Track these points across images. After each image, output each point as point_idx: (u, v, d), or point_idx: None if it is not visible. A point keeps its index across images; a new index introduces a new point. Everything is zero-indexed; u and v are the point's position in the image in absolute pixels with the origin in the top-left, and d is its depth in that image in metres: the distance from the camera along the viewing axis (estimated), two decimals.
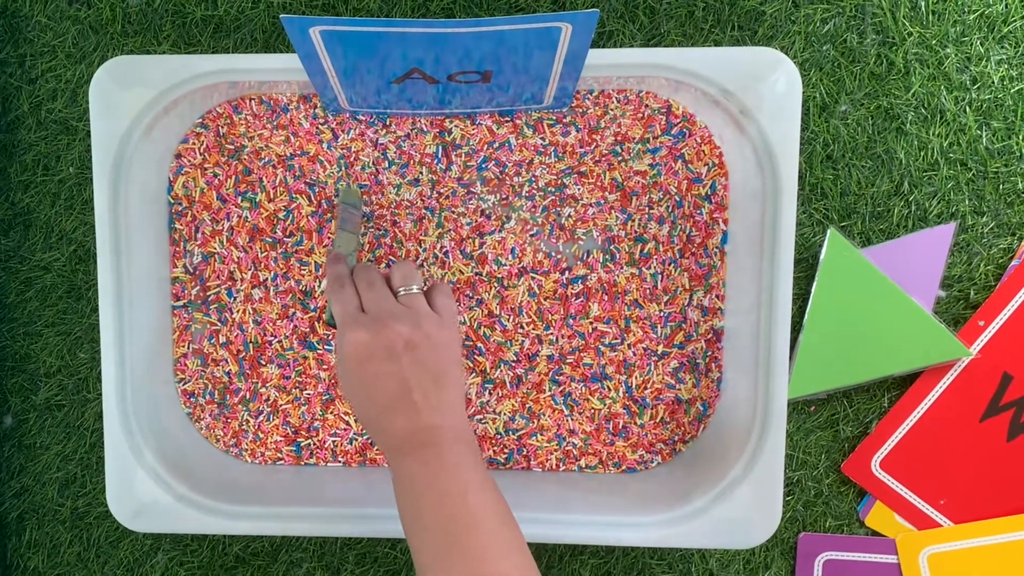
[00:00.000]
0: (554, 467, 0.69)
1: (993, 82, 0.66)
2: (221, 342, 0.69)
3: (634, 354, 0.68)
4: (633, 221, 0.67)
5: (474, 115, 0.66)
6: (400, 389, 0.52)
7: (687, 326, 0.67)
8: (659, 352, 0.67)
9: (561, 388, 0.68)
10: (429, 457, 0.52)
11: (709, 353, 0.67)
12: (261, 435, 0.70)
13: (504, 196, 0.67)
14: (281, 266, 0.68)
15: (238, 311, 0.69)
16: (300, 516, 0.65)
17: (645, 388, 0.68)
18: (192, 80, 0.62)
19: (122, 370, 0.65)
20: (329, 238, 0.68)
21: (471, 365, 0.68)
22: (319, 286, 0.68)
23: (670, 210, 0.66)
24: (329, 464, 0.70)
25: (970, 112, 0.66)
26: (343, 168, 0.67)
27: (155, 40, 0.69)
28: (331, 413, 0.69)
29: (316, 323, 0.69)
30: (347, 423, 0.69)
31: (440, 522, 0.50)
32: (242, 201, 0.68)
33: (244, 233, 0.68)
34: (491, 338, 0.68)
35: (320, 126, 0.67)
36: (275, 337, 0.69)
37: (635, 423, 0.68)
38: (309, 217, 0.68)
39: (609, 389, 0.68)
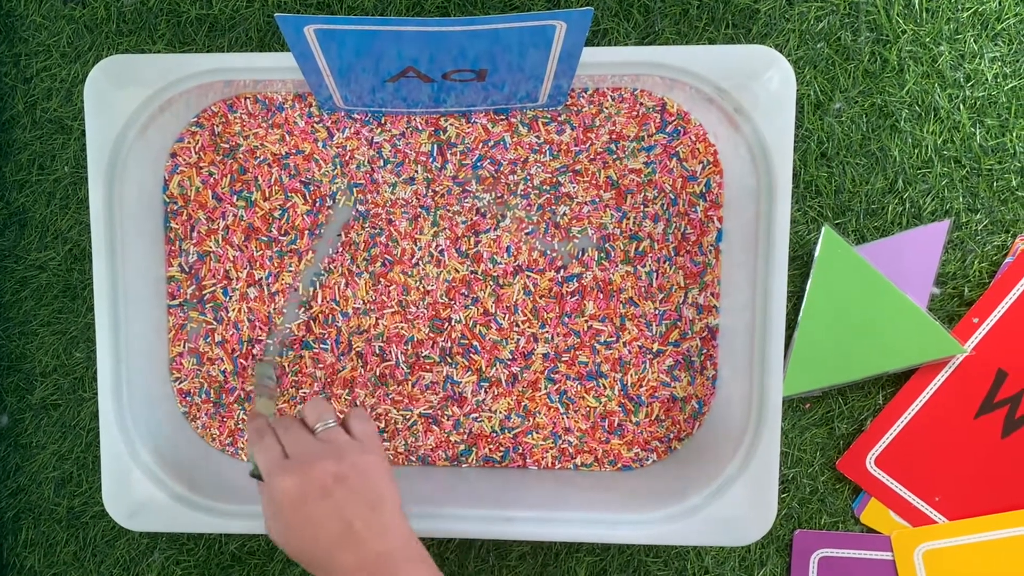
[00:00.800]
0: (550, 465, 0.69)
1: (987, 79, 0.66)
2: (217, 341, 0.69)
3: (629, 352, 0.68)
4: (628, 219, 0.67)
5: (469, 113, 0.66)
6: (340, 524, 0.52)
7: (682, 324, 0.67)
8: (654, 350, 0.68)
9: (556, 386, 0.68)
10: None
11: (704, 351, 0.67)
12: None
13: (499, 194, 0.67)
14: (276, 265, 0.68)
15: (234, 310, 0.69)
16: None
17: (640, 386, 0.68)
18: (187, 79, 0.62)
19: (118, 369, 0.65)
20: (319, 236, 0.68)
21: (467, 363, 0.68)
22: (300, 286, 0.69)
23: (665, 208, 0.66)
24: None
25: (964, 109, 0.66)
26: (338, 166, 0.67)
27: (150, 39, 0.69)
28: None
29: (311, 322, 0.69)
30: None
31: None
32: (237, 200, 0.68)
33: (239, 232, 0.68)
34: (487, 336, 0.68)
35: (315, 125, 0.67)
36: (271, 336, 0.69)
37: (630, 421, 0.68)
38: (304, 216, 0.68)
39: (604, 387, 0.68)
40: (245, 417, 0.70)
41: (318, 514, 0.53)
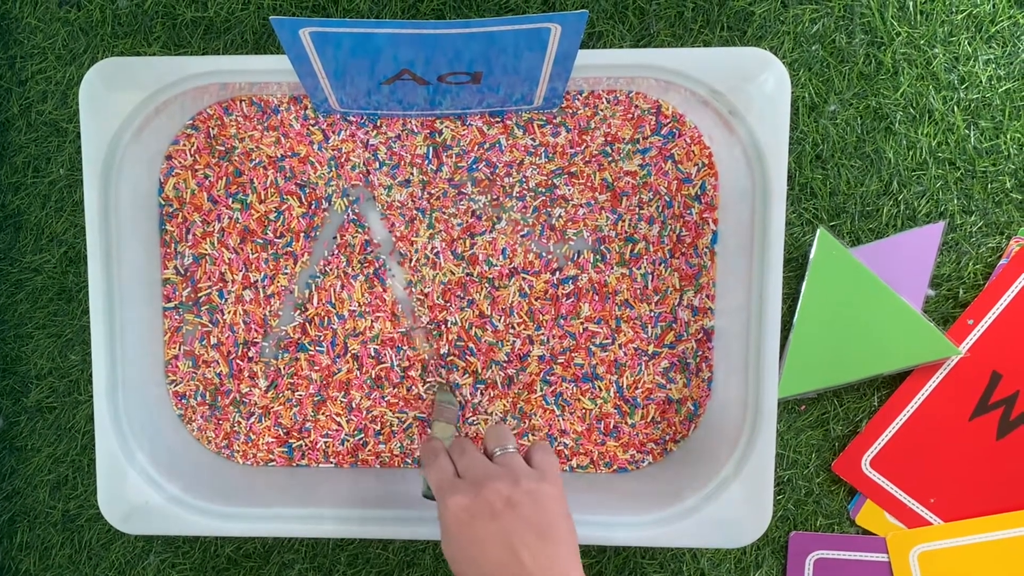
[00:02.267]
0: None
1: (981, 82, 0.66)
2: (212, 343, 0.69)
3: (625, 354, 0.68)
4: (623, 221, 0.67)
5: (464, 116, 0.66)
6: (505, 551, 0.51)
7: (677, 326, 0.67)
8: (650, 352, 0.68)
9: (552, 388, 0.68)
10: None
11: (699, 353, 0.67)
12: (253, 436, 0.70)
13: (495, 197, 0.67)
14: (272, 267, 0.68)
15: (229, 312, 0.69)
16: (292, 517, 0.65)
17: (636, 388, 0.68)
18: (182, 81, 0.62)
19: (113, 372, 0.65)
20: (315, 239, 0.68)
21: (463, 365, 0.68)
22: (297, 286, 0.68)
23: (660, 210, 0.67)
24: (321, 465, 0.70)
25: (958, 112, 0.66)
26: (334, 169, 0.67)
27: (145, 42, 0.69)
28: (323, 414, 0.69)
29: (307, 324, 0.69)
30: (338, 424, 0.69)
31: None
32: (233, 202, 0.68)
33: (235, 234, 0.68)
34: (482, 339, 0.68)
35: (311, 127, 0.67)
36: (267, 339, 0.69)
37: (626, 423, 0.68)
38: (300, 218, 0.68)
39: (600, 389, 0.68)
40: (241, 419, 0.70)
41: (484, 536, 0.51)
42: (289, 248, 0.68)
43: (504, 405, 0.69)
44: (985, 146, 0.67)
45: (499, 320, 0.68)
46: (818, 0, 0.66)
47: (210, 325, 0.69)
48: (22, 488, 0.74)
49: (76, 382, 0.72)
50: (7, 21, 0.70)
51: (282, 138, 0.67)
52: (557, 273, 0.67)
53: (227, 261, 0.68)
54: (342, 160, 0.67)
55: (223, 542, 0.73)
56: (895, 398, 0.67)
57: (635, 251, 0.67)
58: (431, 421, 0.67)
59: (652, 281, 0.67)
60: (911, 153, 0.67)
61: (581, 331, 0.68)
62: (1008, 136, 0.66)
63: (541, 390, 0.68)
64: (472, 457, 0.55)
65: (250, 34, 0.68)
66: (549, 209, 0.67)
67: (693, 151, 0.66)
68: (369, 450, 0.70)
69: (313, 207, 0.68)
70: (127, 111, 0.63)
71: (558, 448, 0.69)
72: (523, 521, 0.52)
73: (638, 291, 0.67)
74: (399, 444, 0.69)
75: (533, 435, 0.69)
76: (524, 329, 0.68)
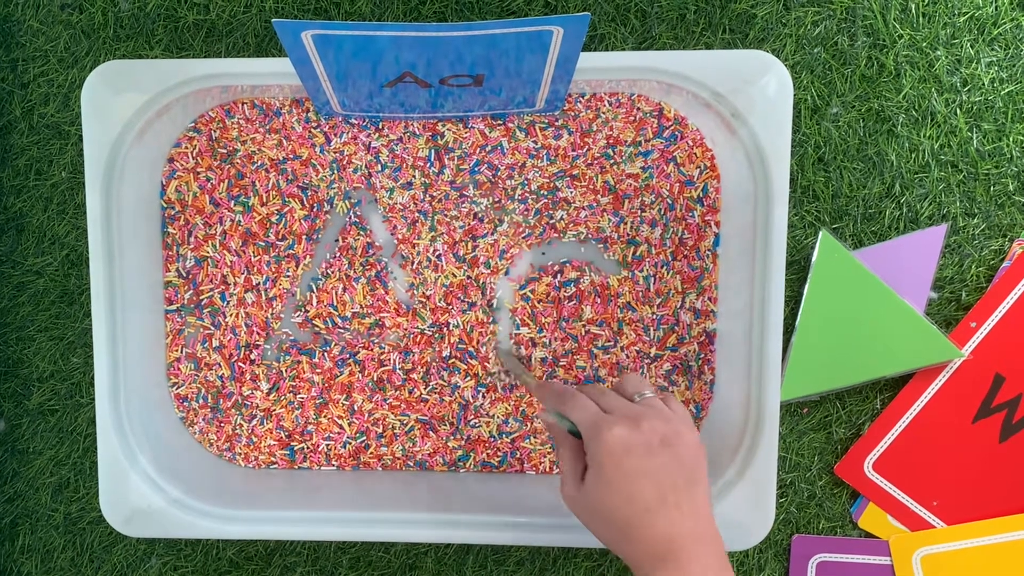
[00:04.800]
0: (547, 470, 0.69)
1: (983, 84, 0.66)
2: (214, 346, 0.69)
3: (627, 357, 0.68)
4: (625, 224, 0.67)
5: (466, 118, 0.66)
6: (657, 491, 0.50)
7: (679, 329, 0.67)
8: (652, 355, 0.68)
9: None
10: (687, 566, 0.49)
11: (702, 356, 0.67)
12: (254, 439, 0.70)
13: (497, 199, 0.67)
14: (274, 270, 0.68)
15: (231, 315, 0.69)
16: (294, 520, 0.65)
17: None
18: (184, 84, 0.62)
19: (115, 375, 0.65)
20: (317, 241, 0.68)
21: (465, 368, 0.68)
22: (300, 291, 0.68)
23: (662, 213, 0.67)
24: (323, 468, 0.70)
25: (961, 114, 0.66)
26: (335, 171, 0.67)
27: (147, 44, 0.69)
28: (324, 417, 0.69)
29: (310, 320, 0.69)
30: (340, 426, 0.69)
31: None
32: (235, 205, 0.68)
33: (237, 237, 0.68)
34: (483, 342, 0.68)
35: (312, 130, 0.67)
36: (268, 341, 0.69)
37: None
38: (302, 221, 0.68)
39: None
40: (243, 422, 0.70)
41: (639, 472, 0.50)
42: (291, 251, 0.68)
43: (506, 408, 0.69)
44: (987, 148, 0.66)
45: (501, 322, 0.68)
46: (820, 3, 0.66)
47: (212, 328, 0.69)
48: (24, 491, 0.74)
49: (78, 385, 0.72)
50: (9, 24, 0.70)
51: (284, 141, 0.67)
52: (559, 275, 0.67)
53: (229, 264, 0.68)
54: (344, 163, 0.67)
55: (225, 545, 0.73)
56: (898, 401, 0.67)
57: (637, 253, 0.67)
58: (517, 375, 0.66)
59: (654, 284, 0.67)
60: (913, 156, 0.67)
61: (583, 333, 0.68)
62: (1011, 138, 0.66)
63: None
64: (615, 396, 0.54)
65: (252, 37, 0.68)
66: (551, 211, 0.67)
67: (695, 154, 0.66)
68: (371, 453, 0.70)
69: (315, 210, 0.68)
70: (129, 114, 0.63)
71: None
72: (676, 463, 0.51)
73: (640, 293, 0.67)
74: (401, 447, 0.69)
75: (535, 438, 0.69)
76: (526, 331, 0.68)
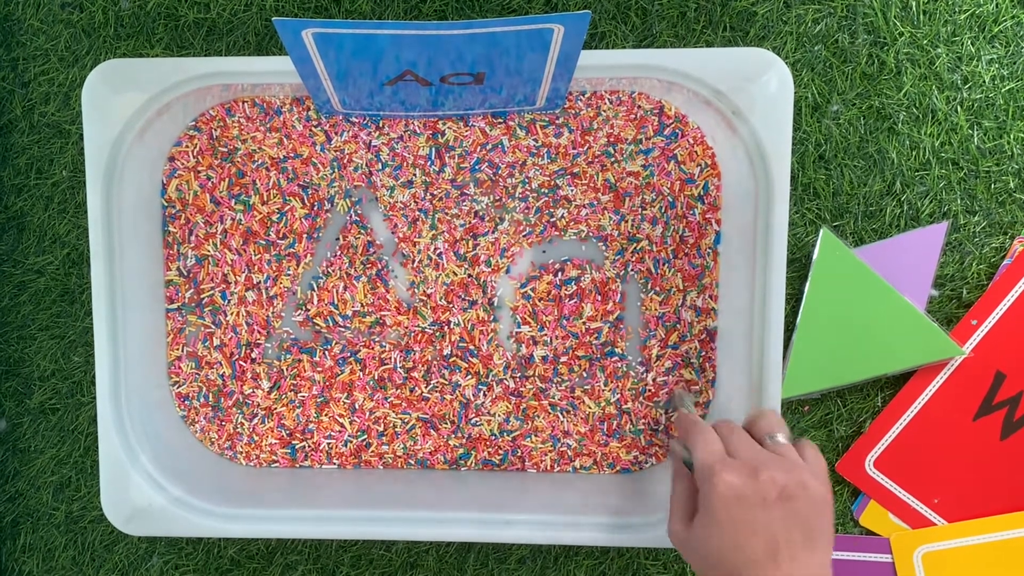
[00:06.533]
0: (548, 468, 0.69)
1: (984, 81, 0.66)
2: (215, 345, 0.69)
3: (630, 358, 0.68)
4: (626, 222, 0.67)
5: (467, 117, 0.66)
6: (767, 544, 0.48)
7: (680, 326, 0.67)
8: (653, 353, 0.68)
9: (555, 389, 0.68)
10: None
11: (703, 353, 0.67)
12: (256, 438, 0.70)
13: (497, 197, 0.67)
14: (274, 269, 0.68)
15: (232, 314, 0.69)
16: (295, 518, 0.65)
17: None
18: (185, 83, 0.62)
19: (116, 373, 0.65)
20: (317, 240, 0.68)
21: (466, 366, 0.68)
22: (300, 290, 0.68)
23: (663, 211, 0.66)
24: (324, 466, 0.70)
25: (961, 112, 0.66)
26: (336, 170, 0.67)
27: (148, 43, 0.69)
28: (326, 415, 0.69)
29: (310, 319, 0.69)
30: (341, 425, 0.69)
31: None
32: (235, 204, 0.68)
33: (238, 236, 0.68)
34: (483, 341, 0.68)
35: (313, 128, 0.67)
36: (269, 340, 0.69)
37: (629, 423, 0.68)
38: (302, 219, 0.68)
39: (603, 390, 0.68)
40: (244, 421, 0.70)
41: (750, 522, 0.49)
42: (292, 249, 0.68)
43: (507, 406, 0.69)
44: (988, 146, 0.66)
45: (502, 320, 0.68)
46: (821, 0, 0.66)
47: (213, 326, 0.69)
48: (25, 490, 0.74)
49: (79, 384, 0.72)
50: (9, 23, 0.70)
51: (284, 139, 0.67)
52: (559, 274, 0.67)
53: (230, 262, 0.68)
54: (344, 161, 0.67)
55: (226, 543, 0.73)
56: (899, 399, 0.67)
57: (638, 251, 0.67)
58: (678, 405, 0.65)
59: (655, 282, 0.67)
60: (914, 153, 0.67)
61: (584, 331, 0.68)
62: (1011, 136, 0.66)
63: (544, 391, 0.68)
64: (744, 438, 0.53)
65: (252, 35, 0.68)
66: (552, 210, 0.67)
67: (696, 152, 0.66)
68: (372, 451, 0.70)
69: (316, 208, 0.68)
70: (129, 113, 0.63)
71: (561, 449, 0.69)
72: (794, 517, 0.49)
73: (640, 292, 0.67)
74: (402, 445, 0.69)
75: (535, 436, 0.69)
76: (527, 329, 0.68)
